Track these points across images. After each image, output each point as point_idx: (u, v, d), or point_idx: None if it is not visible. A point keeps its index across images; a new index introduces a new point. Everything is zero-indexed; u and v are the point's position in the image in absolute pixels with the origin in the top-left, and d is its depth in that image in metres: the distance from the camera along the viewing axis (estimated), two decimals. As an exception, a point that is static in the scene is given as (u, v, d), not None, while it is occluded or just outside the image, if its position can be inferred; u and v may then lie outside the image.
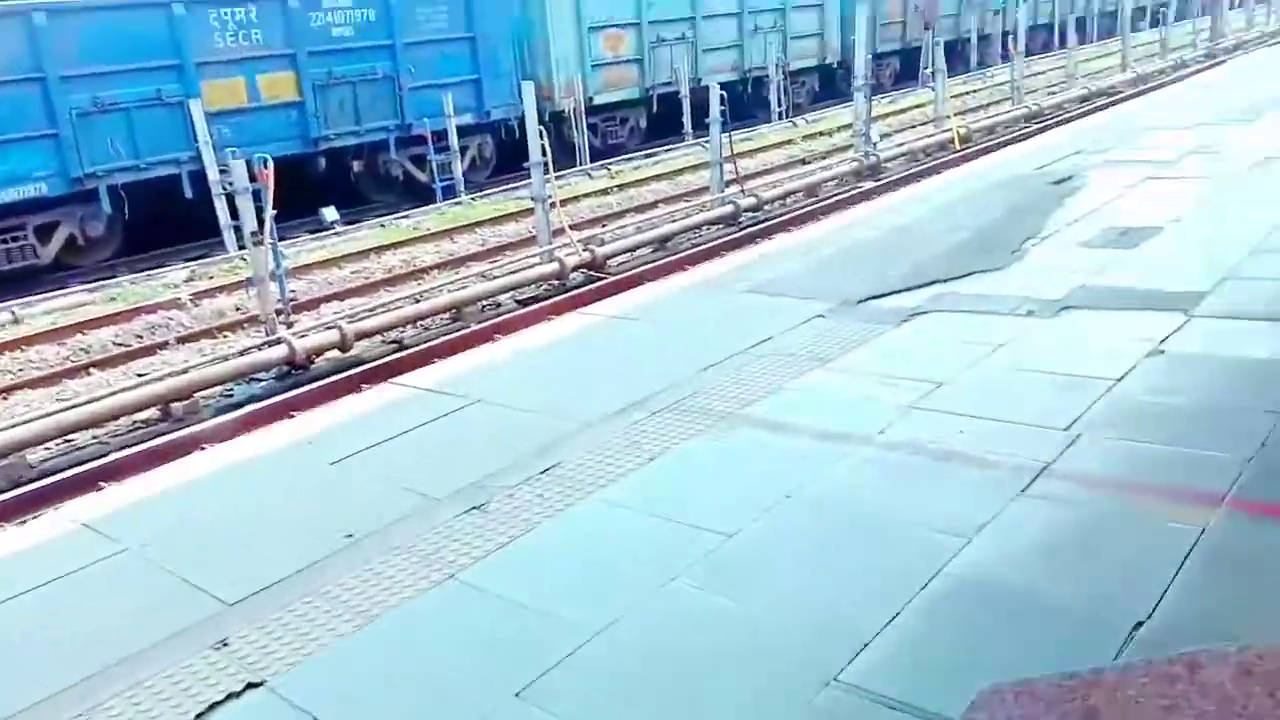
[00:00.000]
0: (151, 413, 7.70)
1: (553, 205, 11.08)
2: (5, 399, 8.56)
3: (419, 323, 9.69)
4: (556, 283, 10.55)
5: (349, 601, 3.29)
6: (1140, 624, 2.71)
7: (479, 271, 11.18)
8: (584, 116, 18.37)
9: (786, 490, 3.74)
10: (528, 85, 11.12)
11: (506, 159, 17.38)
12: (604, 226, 13.24)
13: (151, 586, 3.53)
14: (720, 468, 4.05)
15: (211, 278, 11.89)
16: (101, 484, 5.95)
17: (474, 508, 3.87)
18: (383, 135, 15.76)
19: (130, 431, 7.56)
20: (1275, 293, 5.61)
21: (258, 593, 3.40)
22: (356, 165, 15.91)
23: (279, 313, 9.10)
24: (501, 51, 17.22)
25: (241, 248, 9.35)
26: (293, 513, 4.07)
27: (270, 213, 8.72)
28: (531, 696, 2.72)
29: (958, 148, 16.49)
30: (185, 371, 8.00)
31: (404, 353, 8.70)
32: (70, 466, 6.79)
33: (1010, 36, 22.43)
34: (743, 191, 13.01)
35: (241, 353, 8.48)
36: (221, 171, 10.97)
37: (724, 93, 12.90)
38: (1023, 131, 17.64)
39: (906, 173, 14.93)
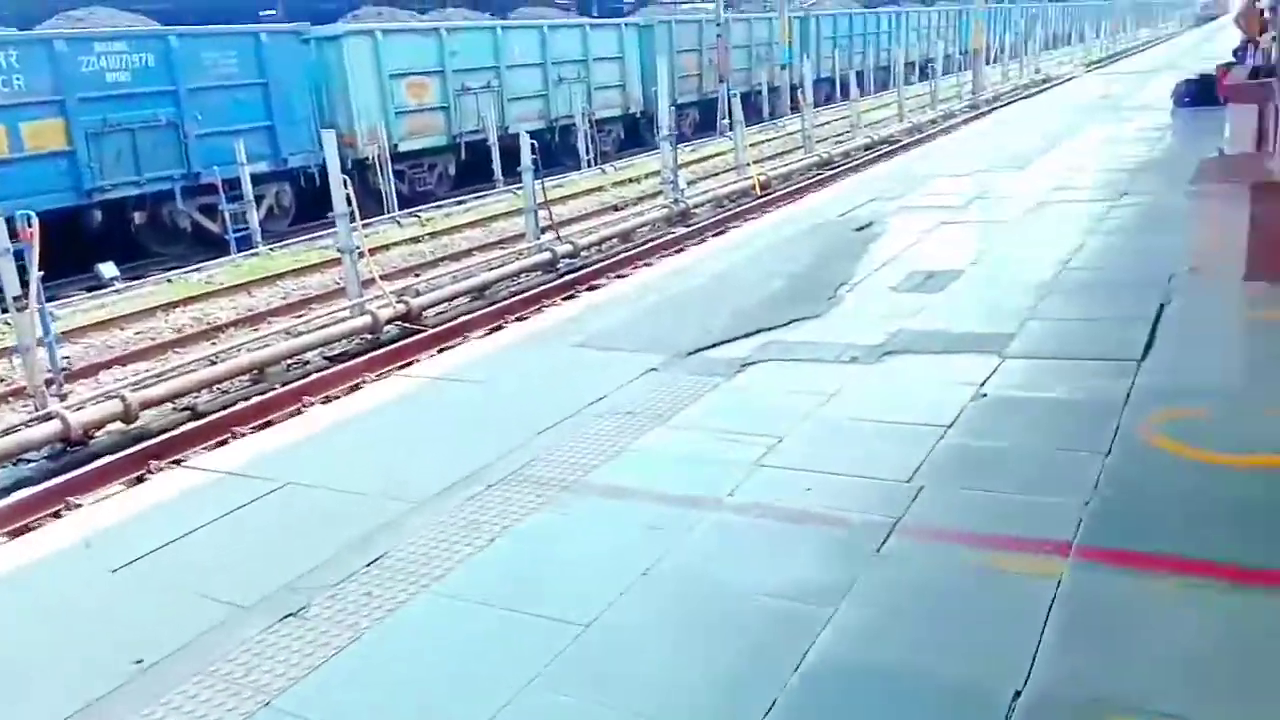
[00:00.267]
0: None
1: (361, 255, 10.53)
2: None
3: (215, 386, 8.89)
4: (369, 337, 9.99)
5: (142, 745, 2.78)
6: (1019, 693, 2.65)
7: (283, 328, 10.44)
8: (389, 164, 17.81)
9: (642, 566, 3.51)
10: (328, 132, 10.59)
11: (308, 207, 16.58)
12: (418, 276, 12.75)
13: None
14: (568, 546, 3.77)
15: (-36, 347, 10.52)
16: None
17: (290, 615, 3.41)
18: (167, 184, 14.70)
19: None
20: (1073, 331, 5.95)
21: (23, 745, 2.82)
22: (138, 217, 14.70)
23: (49, 383, 8.12)
24: (297, 97, 16.51)
25: (4, 311, 8.28)
26: (67, 637, 3.45)
27: (36, 274, 7.78)
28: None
29: (759, 193, 17.08)
30: (-70, 459, 6.93)
31: (199, 421, 7.91)
32: None
33: (799, 89, 23.64)
34: (559, 238, 12.89)
35: (6, 431, 7.45)
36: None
37: (534, 141, 12.83)
38: (817, 178, 18.53)
39: (714, 218, 15.29)
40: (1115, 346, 5.45)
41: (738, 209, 15.93)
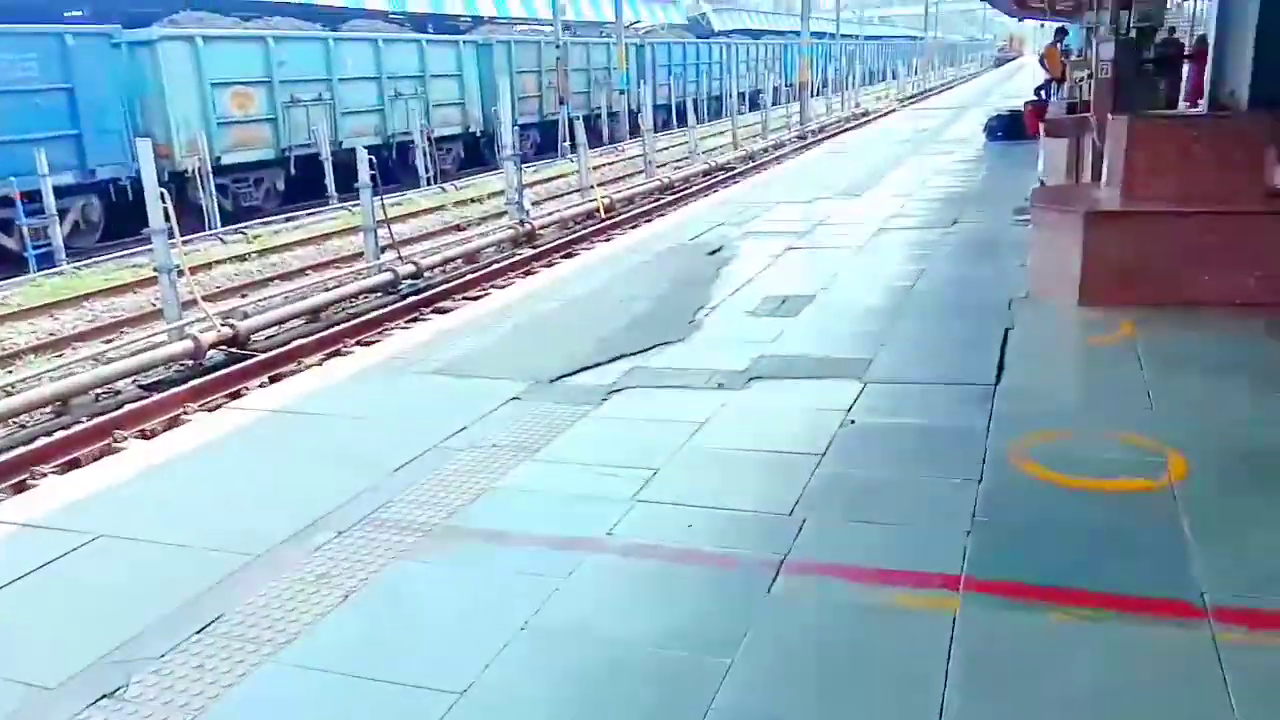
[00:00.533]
0: None
1: (181, 274, 9.71)
2: None
3: (11, 420, 7.92)
4: (191, 363, 9.19)
5: None
6: (931, 745, 2.52)
7: (91, 354, 9.47)
8: (211, 177, 16.69)
9: (520, 619, 3.20)
10: (143, 142, 9.72)
11: (120, 223, 15.29)
12: (245, 296, 11.89)
13: None
14: (435, 599, 3.42)
15: None
16: None
17: (105, 696, 2.91)
18: (-47, 196, 13.19)
19: None
20: (927, 356, 6.06)
21: None
22: (-83, 233, 13.13)
23: None
24: (108, 104, 15.24)
25: None
26: None
27: None
28: None
29: (603, 216, 17.02)
30: None
31: (-12, 464, 6.98)
32: None
33: (639, 114, 23.85)
34: (400, 258, 12.33)
35: None
36: None
37: (371, 156, 12.29)
38: (660, 202, 18.65)
39: (561, 240, 15.08)
40: (970, 371, 5.57)
41: (584, 230, 15.79)
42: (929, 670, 2.82)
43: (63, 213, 14.10)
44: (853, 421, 4.90)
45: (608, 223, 16.37)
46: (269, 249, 15.11)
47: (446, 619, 3.27)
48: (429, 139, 21.64)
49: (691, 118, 25.69)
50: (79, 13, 23.78)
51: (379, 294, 11.70)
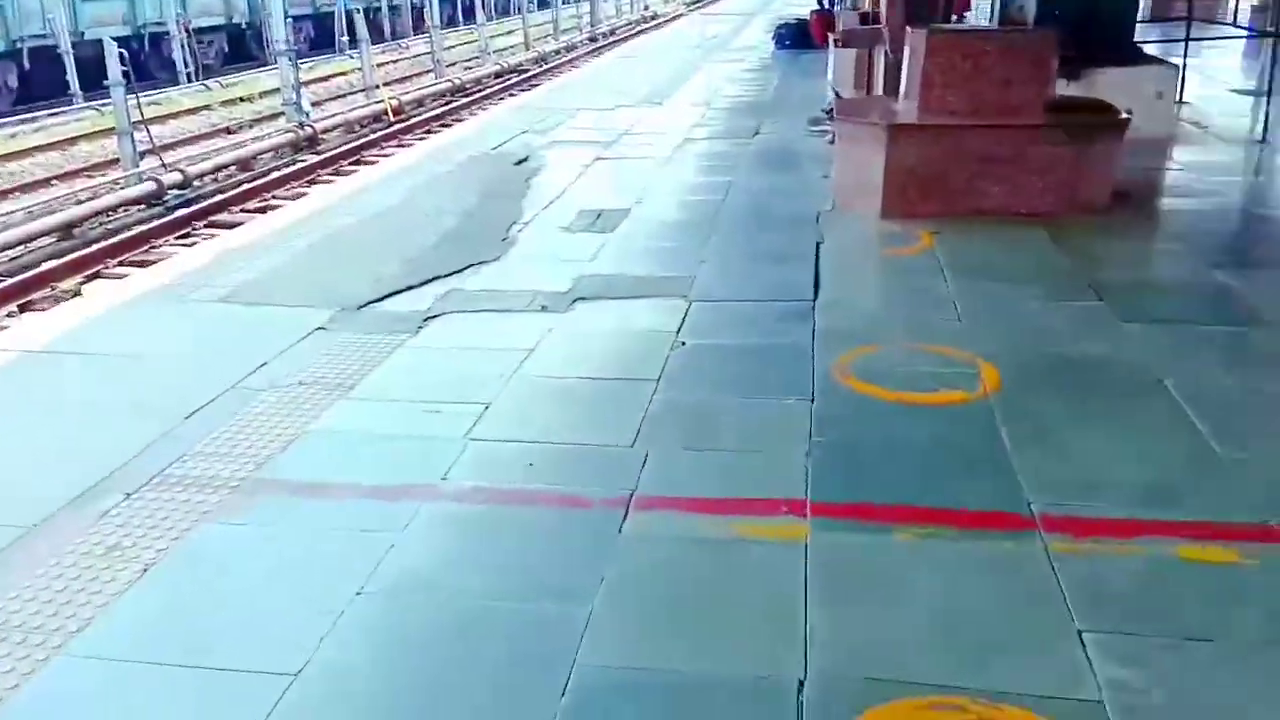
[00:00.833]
0: None
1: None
2: None
3: None
4: (-87, 295, 7.90)
5: None
6: (802, 682, 2.49)
7: None
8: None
9: (354, 584, 2.91)
10: None
11: None
12: (-25, 212, 10.35)
13: None
14: (254, 566, 3.05)
15: None
16: None
17: None
18: None
19: None
20: (746, 272, 6.04)
21: None
22: None
23: None
24: None
25: None
26: None
27: None
28: None
29: (392, 119, 16.04)
30: None
31: None
32: None
33: (424, 8, 22.46)
34: (164, 165, 11.10)
35: None
36: None
37: (121, 50, 10.89)
38: (452, 105, 17.77)
39: (347, 145, 14.08)
40: (789, 287, 5.59)
41: (374, 135, 14.80)
42: (788, 603, 2.79)
43: None
44: (684, 343, 4.81)
45: (399, 127, 15.43)
46: (4, 155, 13.22)
47: (267, 589, 2.92)
48: (186, 30, 19.51)
49: (480, 14, 24.51)
50: None
51: (142, 206, 10.51)
